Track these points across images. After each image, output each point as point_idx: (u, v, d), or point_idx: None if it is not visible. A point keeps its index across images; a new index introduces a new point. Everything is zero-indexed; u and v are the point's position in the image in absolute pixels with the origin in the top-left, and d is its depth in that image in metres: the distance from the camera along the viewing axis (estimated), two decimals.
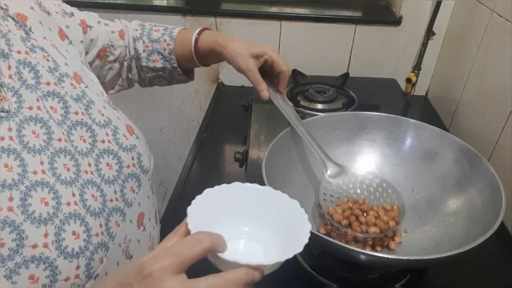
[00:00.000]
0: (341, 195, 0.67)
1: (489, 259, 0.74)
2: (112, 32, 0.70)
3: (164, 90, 1.39)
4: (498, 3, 0.91)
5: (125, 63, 0.74)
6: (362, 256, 0.53)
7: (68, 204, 0.44)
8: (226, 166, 1.01)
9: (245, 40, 0.70)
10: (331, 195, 0.67)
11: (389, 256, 0.51)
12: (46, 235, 0.41)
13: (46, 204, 0.42)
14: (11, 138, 0.42)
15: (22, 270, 0.39)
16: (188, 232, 0.39)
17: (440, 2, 1.12)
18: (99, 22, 0.68)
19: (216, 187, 0.45)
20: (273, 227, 0.45)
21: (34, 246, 0.40)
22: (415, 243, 0.66)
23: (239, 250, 0.38)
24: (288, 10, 1.24)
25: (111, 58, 0.70)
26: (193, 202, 0.42)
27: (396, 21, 1.21)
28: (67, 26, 0.58)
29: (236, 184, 0.46)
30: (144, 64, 0.74)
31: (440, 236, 0.65)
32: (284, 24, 1.23)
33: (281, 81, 0.72)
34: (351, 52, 1.27)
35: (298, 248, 0.40)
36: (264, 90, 0.70)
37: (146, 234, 0.59)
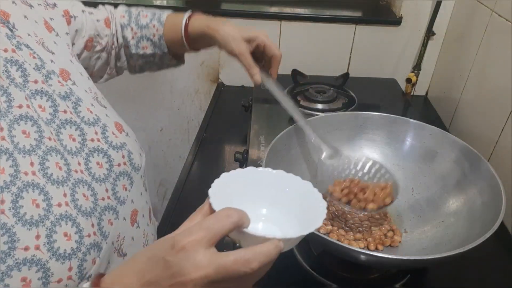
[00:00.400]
0: (337, 176, 0.70)
1: (489, 259, 0.74)
2: (98, 20, 0.68)
3: (164, 90, 1.40)
4: (498, 3, 0.91)
5: (113, 52, 0.73)
6: (362, 256, 0.53)
7: (59, 205, 0.44)
8: (226, 166, 1.01)
9: (236, 25, 0.69)
10: (328, 176, 0.69)
11: (389, 256, 0.51)
12: (37, 237, 0.41)
13: (37, 205, 0.42)
14: (3, 138, 0.41)
15: (14, 272, 0.38)
16: (210, 212, 0.40)
17: (440, 2, 1.12)
18: (83, 11, 0.66)
19: (232, 171, 0.46)
20: (288, 208, 0.47)
21: (26, 249, 0.40)
22: (415, 243, 0.66)
23: (258, 231, 0.39)
24: (288, 10, 1.24)
25: (98, 48, 0.69)
26: (213, 184, 0.43)
27: (396, 21, 1.21)
28: (51, 19, 0.57)
29: (250, 168, 0.48)
30: (133, 51, 0.73)
31: (440, 236, 0.65)
32: (284, 24, 1.23)
33: (273, 65, 0.71)
34: (351, 52, 1.27)
35: (317, 223, 0.42)
36: (257, 74, 0.69)
37: (140, 231, 0.59)
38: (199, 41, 0.72)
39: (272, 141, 0.69)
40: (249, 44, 0.69)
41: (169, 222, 0.82)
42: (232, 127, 1.16)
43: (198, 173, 0.99)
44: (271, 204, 0.47)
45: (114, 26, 0.71)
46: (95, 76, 0.73)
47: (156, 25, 0.71)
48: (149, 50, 0.73)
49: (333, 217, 0.70)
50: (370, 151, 0.78)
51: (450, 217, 0.67)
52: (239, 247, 0.39)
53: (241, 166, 0.91)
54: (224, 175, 0.45)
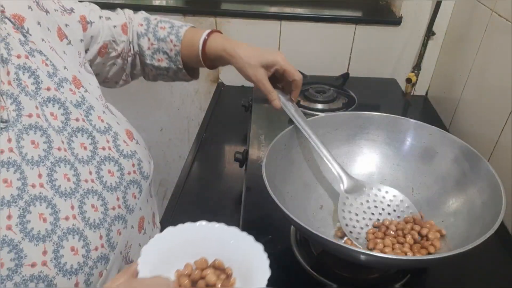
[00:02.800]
0: (359, 210, 0.68)
1: (489, 259, 0.74)
2: (114, 26, 0.66)
3: (164, 90, 1.40)
4: (498, 3, 0.91)
5: (129, 59, 0.71)
6: (362, 256, 0.53)
7: (67, 218, 0.43)
8: (226, 166, 1.01)
9: (254, 47, 0.67)
10: (349, 211, 0.67)
11: (389, 256, 0.51)
12: (44, 252, 0.40)
13: (45, 220, 0.41)
14: (11, 150, 0.41)
15: None
16: (136, 273, 0.39)
17: (440, 2, 1.12)
18: (100, 17, 0.64)
19: (180, 225, 0.45)
20: (231, 265, 0.44)
21: (33, 265, 0.39)
22: None
23: None
24: (288, 10, 1.24)
25: (113, 54, 0.68)
26: (151, 241, 0.42)
27: (396, 21, 1.21)
28: (66, 25, 0.55)
29: (202, 223, 0.46)
30: (148, 62, 0.71)
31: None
32: (284, 24, 1.23)
33: (293, 89, 0.69)
34: (351, 52, 1.27)
35: (260, 285, 0.39)
36: (276, 100, 0.67)
37: (146, 237, 0.59)
38: (216, 62, 0.71)
39: (272, 141, 0.69)
40: (267, 70, 0.67)
41: (169, 222, 0.81)
42: (232, 127, 1.16)
43: (198, 173, 0.99)
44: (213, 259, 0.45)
45: (131, 34, 0.69)
46: (109, 81, 0.72)
47: (174, 41, 0.69)
48: (164, 64, 0.71)
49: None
50: (370, 151, 0.78)
51: (450, 217, 0.67)
52: None
53: (241, 166, 0.91)
54: (168, 229, 0.44)
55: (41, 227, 0.41)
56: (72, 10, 0.58)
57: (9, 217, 0.39)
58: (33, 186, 0.42)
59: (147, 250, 0.41)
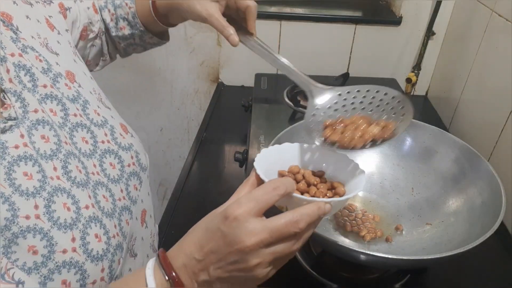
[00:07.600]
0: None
1: (489, 259, 0.74)
2: (88, 8, 0.65)
3: (164, 90, 1.40)
4: (498, 3, 0.91)
5: (103, 37, 0.70)
6: (362, 256, 0.53)
7: (87, 207, 0.45)
8: (226, 166, 1.01)
9: None
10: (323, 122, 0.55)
11: (389, 256, 0.51)
12: (73, 239, 0.42)
13: (68, 209, 0.42)
14: (25, 145, 0.41)
15: (55, 275, 0.40)
16: (257, 182, 0.45)
17: (440, 2, 1.12)
18: (75, 0, 0.62)
19: (271, 147, 0.52)
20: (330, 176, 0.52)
21: (64, 251, 0.40)
22: (415, 243, 0.66)
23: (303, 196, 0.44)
24: (288, 10, 1.24)
25: (91, 35, 0.66)
26: (256, 158, 0.48)
27: (396, 21, 1.21)
28: (50, 16, 0.55)
29: (288, 144, 0.53)
30: (113, 34, 0.70)
31: (440, 236, 0.65)
32: (284, 24, 1.23)
33: (248, 19, 0.61)
34: (351, 52, 1.27)
35: (359, 188, 0.47)
36: (233, 35, 0.60)
37: (148, 231, 0.59)
38: (170, 15, 0.66)
39: (272, 141, 0.69)
40: (218, 4, 0.60)
41: (169, 222, 0.82)
42: (232, 127, 1.16)
43: (198, 173, 0.99)
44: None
45: (99, 11, 0.68)
46: (90, 64, 0.71)
47: (129, 3, 0.67)
48: (126, 31, 0.69)
49: None
50: (370, 151, 0.78)
51: (450, 217, 0.67)
52: None
53: (241, 166, 0.91)
54: (264, 150, 0.51)
55: (66, 216, 0.42)
56: (51, 0, 0.57)
57: (36, 207, 0.40)
58: (52, 178, 0.43)
59: (258, 164, 0.46)
